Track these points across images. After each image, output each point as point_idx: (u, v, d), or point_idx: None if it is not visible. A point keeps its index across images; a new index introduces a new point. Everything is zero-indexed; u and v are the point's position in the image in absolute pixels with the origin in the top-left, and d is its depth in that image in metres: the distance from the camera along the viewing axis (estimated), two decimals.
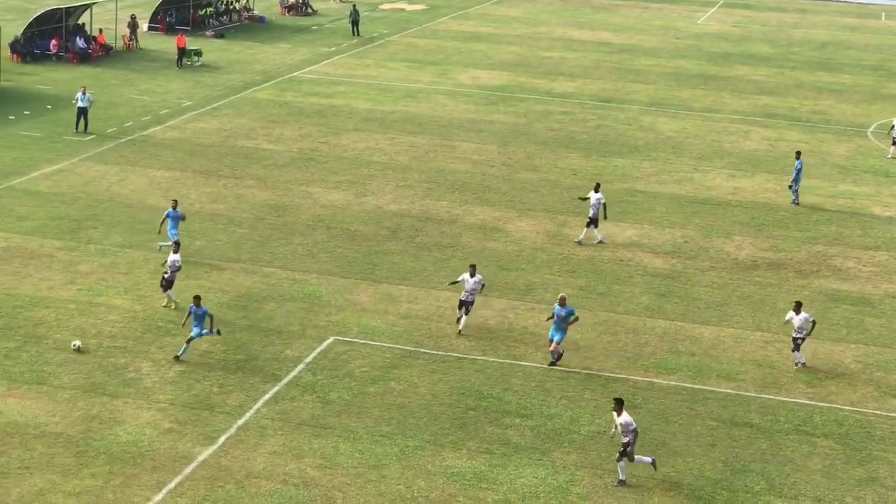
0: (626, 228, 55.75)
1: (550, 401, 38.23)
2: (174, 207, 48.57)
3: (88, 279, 46.31)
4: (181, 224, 48.88)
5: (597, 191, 52.97)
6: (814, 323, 40.98)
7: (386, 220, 55.18)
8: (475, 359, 41.10)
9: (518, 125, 74.29)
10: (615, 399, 34.20)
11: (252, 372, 39.35)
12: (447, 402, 38.06)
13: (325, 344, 41.66)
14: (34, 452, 33.77)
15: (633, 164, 66.41)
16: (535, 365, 40.84)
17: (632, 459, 33.58)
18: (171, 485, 32.52)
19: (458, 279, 43.56)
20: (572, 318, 40.58)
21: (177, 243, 45.15)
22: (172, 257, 43.93)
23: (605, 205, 52.93)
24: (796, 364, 41.37)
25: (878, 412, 38.78)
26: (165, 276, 43.91)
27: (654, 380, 40.34)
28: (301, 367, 39.91)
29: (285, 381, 38.87)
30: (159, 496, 31.92)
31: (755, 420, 37.94)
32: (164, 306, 43.73)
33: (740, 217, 58.36)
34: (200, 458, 34.01)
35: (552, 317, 40.89)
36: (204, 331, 39.57)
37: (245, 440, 35.11)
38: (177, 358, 39.53)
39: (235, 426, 35.88)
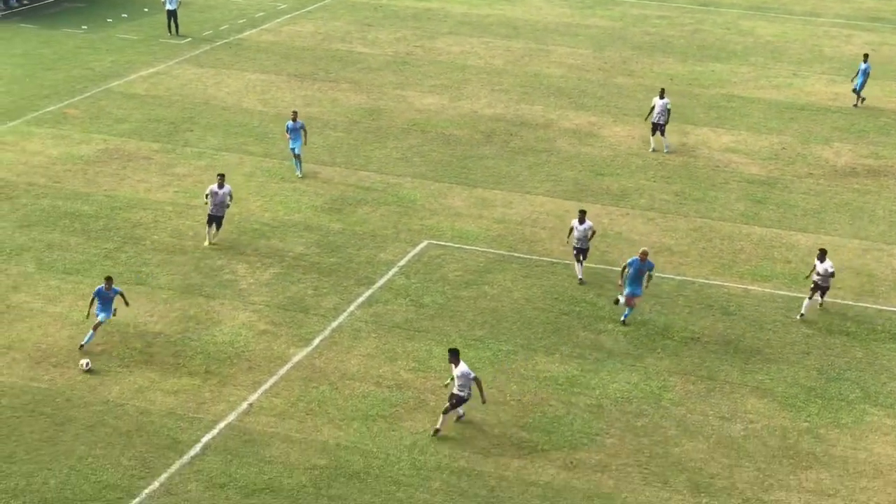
0: (722, 134, 55.10)
1: (644, 307, 38.10)
2: (294, 119, 47.28)
3: (185, 181, 46.74)
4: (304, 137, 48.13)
5: (662, 96, 52.09)
6: (832, 274, 37.76)
7: (480, 125, 54.99)
8: (569, 264, 41.01)
9: (614, 29, 73.44)
10: (450, 350, 30.93)
11: (346, 275, 39.61)
12: (540, 306, 38.09)
13: (418, 248, 41.78)
14: (134, 350, 34.34)
15: (731, 69, 65.47)
16: None
17: (445, 413, 31.00)
18: (267, 385, 32.95)
19: (571, 227, 39.73)
20: (652, 273, 37.12)
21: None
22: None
23: (669, 110, 51.98)
24: (800, 315, 38.11)
25: None
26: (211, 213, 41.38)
27: (749, 287, 40.04)
28: (395, 270, 40.09)
29: (379, 284, 39.09)
30: (255, 395, 32.37)
31: (851, 328, 37.58)
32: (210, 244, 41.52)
33: (840, 123, 57.43)
34: (295, 359, 34.39)
35: (625, 269, 36.97)
36: (111, 316, 34.68)
37: (339, 342, 35.43)
38: (81, 347, 34.11)
39: (329, 328, 36.19)
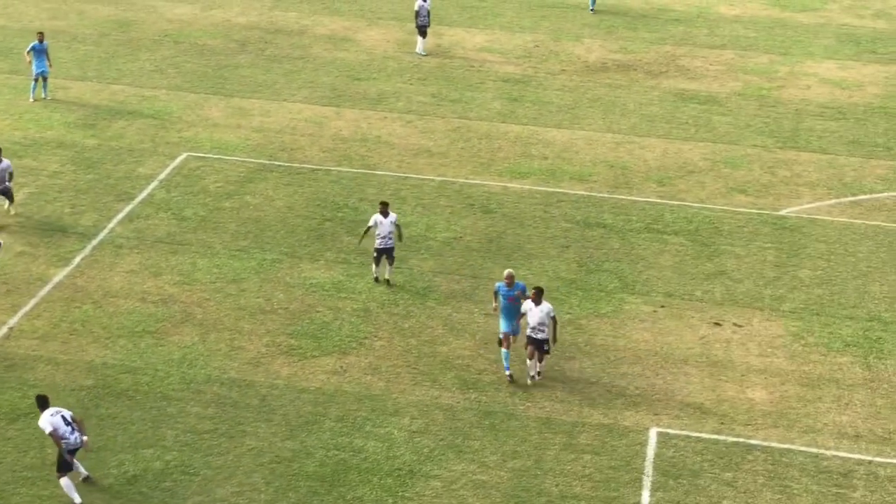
0: (476, 34, 55.55)
1: (406, 209, 38.41)
2: (40, 41, 45.64)
3: None
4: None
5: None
6: (554, 319, 29.81)
7: (234, 33, 54.27)
8: (329, 170, 41.03)
9: None
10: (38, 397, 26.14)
11: (104, 191, 38.86)
12: (303, 214, 38.07)
13: (177, 160, 41.22)
14: None
15: None
16: (389, 174, 40.90)
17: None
18: (27, 307, 32.25)
19: (370, 223, 34.14)
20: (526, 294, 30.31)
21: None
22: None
23: (429, 12, 52.26)
24: (530, 377, 30.22)
25: (726, 208, 39.69)
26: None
27: (509, 184, 40.72)
28: (154, 184, 39.51)
29: (139, 199, 38.48)
30: (15, 319, 31.65)
31: (608, 220, 38.60)
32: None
33: (589, 20, 58.44)
34: (56, 279, 33.71)
35: (495, 298, 30.81)
36: None
37: (101, 260, 34.84)
38: None
39: (90, 246, 35.54)
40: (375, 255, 34.19)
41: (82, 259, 34.85)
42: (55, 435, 24.86)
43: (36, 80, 45.41)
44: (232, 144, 42.69)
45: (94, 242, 35.78)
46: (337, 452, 27.08)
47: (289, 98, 47.14)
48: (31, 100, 45.23)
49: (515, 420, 28.45)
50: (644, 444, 27.93)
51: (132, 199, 38.46)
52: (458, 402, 28.99)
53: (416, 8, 52.08)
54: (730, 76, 51.68)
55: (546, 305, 29.54)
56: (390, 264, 34.22)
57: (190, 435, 27.42)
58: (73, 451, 25.18)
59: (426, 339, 31.70)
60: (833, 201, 40.49)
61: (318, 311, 32.76)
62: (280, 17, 56.70)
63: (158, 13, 56.36)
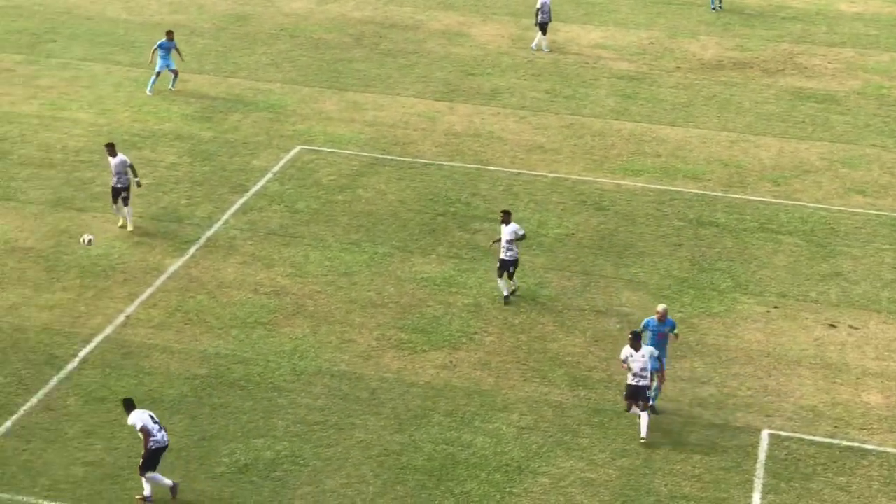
0: (591, 31, 55.32)
1: (518, 205, 38.36)
2: (169, 38, 46.11)
3: (50, 93, 45.86)
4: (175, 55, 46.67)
5: None
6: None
7: (349, 27, 54.59)
8: (442, 165, 41.11)
9: None
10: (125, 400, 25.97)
11: (219, 183, 39.30)
12: (415, 208, 38.18)
13: (291, 153, 41.55)
14: (5, 268, 33.82)
15: None
16: (501, 170, 40.88)
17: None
18: (143, 296, 32.70)
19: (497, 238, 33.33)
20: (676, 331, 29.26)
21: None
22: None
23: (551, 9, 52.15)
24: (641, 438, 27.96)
25: (843, 208, 39.11)
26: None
27: (621, 182, 40.50)
28: (268, 176, 39.87)
29: (253, 191, 38.86)
30: (131, 307, 32.12)
31: (721, 219, 38.24)
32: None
33: (706, 17, 57.93)
34: (171, 269, 34.15)
35: (643, 331, 28.63)
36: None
37: (215, 251, 35.23)
38: None
39: (205, 237, 35.96)
40: (498, 265, 33.10)
41: (197, 250, 35.27)
42: (145, 430, 24.98)
43: (157, 75, 45.98)
44: (345, 138, 42.94)
45: (209, 233, 36.19)
46: (445, 447, 27.12)
47: (402, 92, 47.30)
48: (149, 93, 45.78)
49: (625, 418, 28.27)
50: (755, 445, 27.62)
51: (246, 191, 38.84)
52: (567, 399, 28.90)
53: (538, 4, 51.87)
54: (849, 74, 50.90)
55: (647, 348, 27.59)
56: (510, 277, 33.07)
57: (300, 426, 27.63)
58: (159, 451, 25.12)
59: (536, 335, 31.63)
60: None
61: (428, 306, 32.83)
62: (395, 11, 56.92)
63: (275, 7, 56.86)
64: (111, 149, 35.90)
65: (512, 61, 51.10)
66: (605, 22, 56.56)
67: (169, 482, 25.15)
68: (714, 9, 58.76)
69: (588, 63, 51.25)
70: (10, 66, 48.37)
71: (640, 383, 27.46)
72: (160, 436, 25.09)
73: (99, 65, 48.77)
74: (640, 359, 27.34)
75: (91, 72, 48.05)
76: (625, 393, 27.80)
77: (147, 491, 24.98)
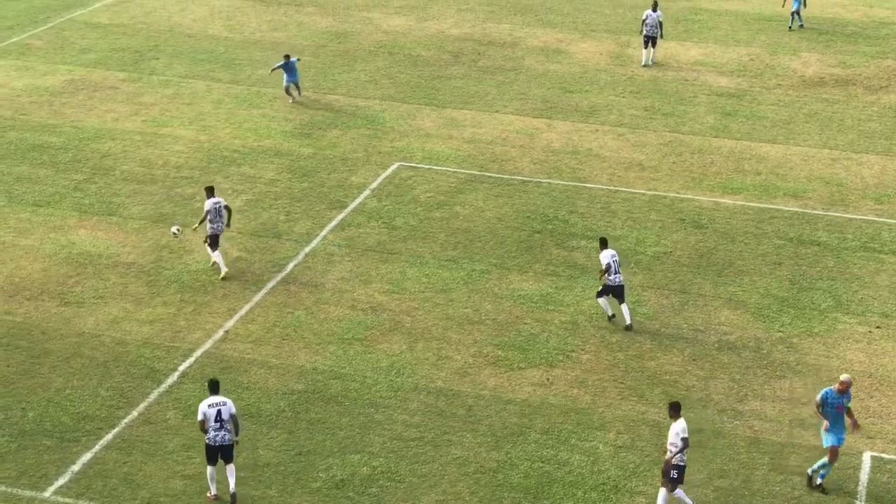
0: (690, 48, 54.99)
1: (616, 222, 38.21)
2: (287, 60, 47.16)
3: (153, 110, 46.49)
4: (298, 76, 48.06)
5: (654, 9, 52.07)
6: (685, 441, 25.21)
7: (448, 45, 54.75)
8: (540, 182, 41.05)
9: None
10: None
11: (318, 199, 39.56)
12: (513, 225, 38.15)
13: (389, 170, 41.72)
14: (107, 282, 34.29)
15: None
16: (599, 187, 40.74)
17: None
18: (242, 311, 32.98)
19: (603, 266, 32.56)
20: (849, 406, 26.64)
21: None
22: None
23: (661, 23, 52.13)
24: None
25: None
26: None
27: (720, 200, 40.17)
28: (366, 193, 40.06)
29: (351, 207, 39.06)
30: (230, 322, 32.40)
31: (822, 238, 37.79)
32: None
33: (807, 33, 57.34)
34: (270, 285, 34.41)
35: (820, 409, 26.58)
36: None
37: (313, 267, 35.45)
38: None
39: (303, 253, 36.20)
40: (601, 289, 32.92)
41: (295, 266, 35.51)
42: (202, 425, 25.33)
43: (287, 89, 47.19)
44: (443, 155, 43.03)
45: (307, 249, 36.42)
46: (542, 465, 27.02)
47: (500, 109, 47.33)
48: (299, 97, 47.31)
49: (723, 438, 28.01)
50: (857, 468, 27.21)
51: (344, 207, 39.05)
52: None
53: (643, 17, 51.88)
54: None
55: (680, 423, 25.20)
56: (620, 302, 32.66)
57: (396, 442, 27.68)
58: (212, 448, 25.33)
59: (633, 353, 31.44)
60: None
61: (525, 323, 32.77)
62: (493, 28, 57.00)
63: (374, 25, 57.19)
64: (210, 191, 34.99)
65: (610, 78, 50.93)
66: (705, 39, 56.18)
67: (213, 491, 25.54)
68: (791, 28, 57.83)
69: (687, 80, 50.95)
70: (115, 84, 49.10)
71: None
72: (212, 434, 25.28)
73: (200, 82, 49.35)
74: (671, 432, 25.22)
75: (192, 89, 48.64)
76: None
77: (211, 490, 25.55)
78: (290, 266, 35.44)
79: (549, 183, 41.01)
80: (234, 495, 25.41)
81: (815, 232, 38.14)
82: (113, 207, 38.68)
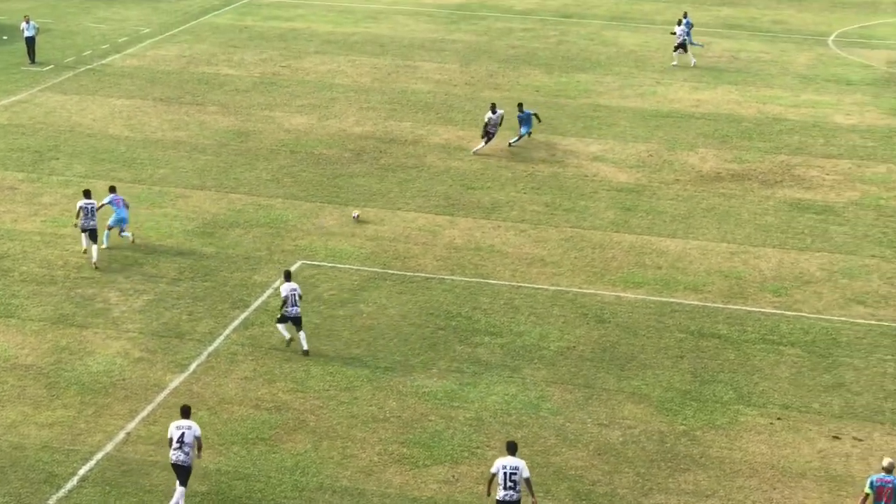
0: (590, 144, 55.73)
1: (519, 318, 38.40)
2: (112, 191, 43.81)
3: (52, 210, 46.10)
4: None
5: (493, 111, 54.13)
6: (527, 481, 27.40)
7: (350, 143, 55.01)
8: (443, 279, 41.20)
9: (479, 43, 73.92)
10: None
11: (221, 298, 39.35)
12: (416, 322, 38.19)
13: (292, 268, 41.64)
14: (5, 385, 33.76)
15: (596, 79, 66.27)
16: (502, 283, 40.96)
17: None
18: (144, 413, 32.61)
19: None
20: None
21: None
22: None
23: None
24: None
25: (844, 318, 39.11)
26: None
27: (622, 294, 40.54)
28: (269, 291, 39.92)
29: (254, 306, 38.90)
30: (132, 424, 32.00)
31: (722, 331, 38.22)
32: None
33: (704, 129, 58.40)
34: (172, 385, 34.08)
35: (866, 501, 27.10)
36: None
37: (216, 366, 35.18)
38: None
39: (206, 353, 35.93)
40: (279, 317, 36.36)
41: (198, 365, 35.22)
42: (170, 442, 28.31)
43: (110, 229, 42.98)
44: (346, 252, 43.07)
45: (210, 349, 36.17)
46: None
47: (403, 207, 47.54)
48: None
49: None
50: None
51: (248, 306, 38.89)
52: None
53: (485, 119, 54.35)
54: (846, 186, 51.18)
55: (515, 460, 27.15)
56: (298, 330, 36.11)
57: None
58: (173, 466, 28.17)
59: (539, 448, 31.47)
60: None
61: (430, 420, 32.71)
62: (395, 126, 57.39)
63: (276, 123, 57.35)
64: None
65: (511, 174, 51.42)
66: (604, 135, 56.99)
67: None
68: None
69: (587, 176, 51.57)
70: (13, 184, 48.68)
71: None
72: (172, 453, 28.18)
73: (101, 181, 49.02)
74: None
75: (93, 188, 48.28)
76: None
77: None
78: (193, 366, 35.14)
79: (452, 280, 41.18)
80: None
81: (716, 325, 38.58)
82: (11, 309, 38.18)
